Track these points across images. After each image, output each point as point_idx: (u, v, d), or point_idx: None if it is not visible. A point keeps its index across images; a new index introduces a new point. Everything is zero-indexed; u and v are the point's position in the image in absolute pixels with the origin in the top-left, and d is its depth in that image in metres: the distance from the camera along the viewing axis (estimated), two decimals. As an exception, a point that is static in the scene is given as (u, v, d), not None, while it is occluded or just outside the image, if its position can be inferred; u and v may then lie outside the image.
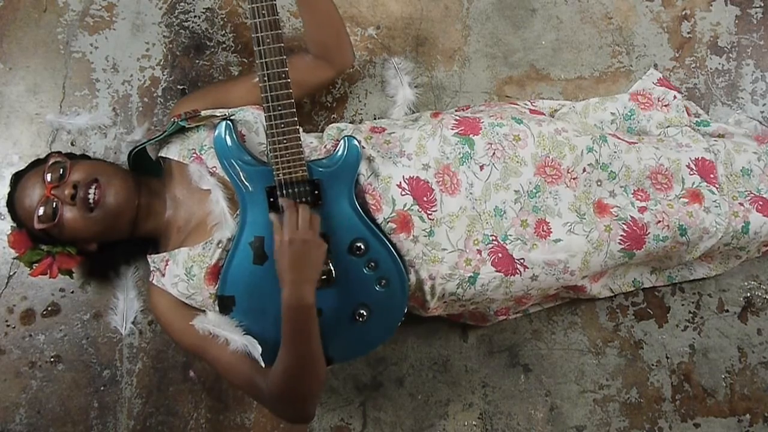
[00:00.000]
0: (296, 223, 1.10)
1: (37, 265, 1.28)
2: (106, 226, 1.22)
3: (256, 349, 1.17)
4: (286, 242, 1.09)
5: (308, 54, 1.35)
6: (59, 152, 1.31)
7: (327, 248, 1.16)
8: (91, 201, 1.20)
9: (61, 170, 1.22)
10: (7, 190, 1.28)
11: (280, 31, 1.10)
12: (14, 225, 1.28)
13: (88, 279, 1.51)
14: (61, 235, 1.23)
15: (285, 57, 1.12)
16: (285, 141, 1.13)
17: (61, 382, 1.50)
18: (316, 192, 1.17)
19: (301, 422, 1.43)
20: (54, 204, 1.20)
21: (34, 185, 1.22)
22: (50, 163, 1.24)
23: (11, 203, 1.26)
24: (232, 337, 1.18)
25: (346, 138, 1.21)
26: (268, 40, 1.10)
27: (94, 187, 1.20)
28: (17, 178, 1.27)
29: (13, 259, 1.27)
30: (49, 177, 1.21)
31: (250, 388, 1.20)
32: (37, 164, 1.29)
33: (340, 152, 1.20)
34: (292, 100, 1.13)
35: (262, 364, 1.17)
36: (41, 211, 1.19)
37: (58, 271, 1.29)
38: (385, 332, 1.27)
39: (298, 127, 1.14)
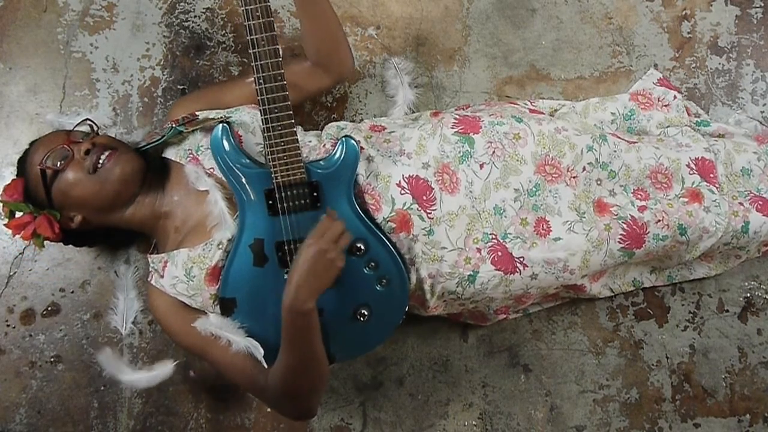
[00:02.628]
0: (323, 233, 1.09)
1: (16, 218, 1.26)
2: (99, 193, 1.22)
3: (259, 352, 1.17)
4: (305, 245, 1.09)
5: (306, 61, 1.35)
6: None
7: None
8: (99, 166, 1.21)
9: (88, 133, 1.26)
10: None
11: (274, 33, 1.09)
12: (15, 177, 1.28)
13: (95, 273, 1.52)
14: (53, 188, 1.22)
15: (280, 59, 1.11)
16: (282, 143, 1.13)
17: (61, 382, 1.50)
18: (315, 194, 1.17)
19: (304, 418, 1.43)
20: (66, 154, 1.21)
21: (58, 135, 1.26)
22: (80, 123, 1.28)
23: (24, 157, 1.27)
24: (234, 338, 1.18)
25: (344, 138, 1.20)
26: (263, 42, 1.09)
27: (107, 153, 1.21)
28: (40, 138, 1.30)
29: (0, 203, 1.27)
30: (75, 134, 1.25)
31: (252, 387, 1.20)
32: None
33: (338, 153, 1.19)
34: (288, 102, 1.12)
35: (265, 366, 1.17)
36: (52, 154, 1.21)
37: (32, 233, 1.26)
38: (386, 331, 1.27)
39: (295, 129, 1.14)
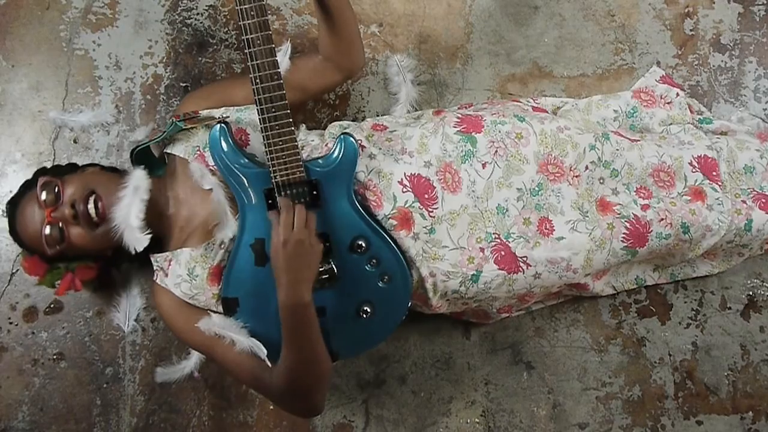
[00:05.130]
0: (291, 224, 1.10)
1: (59, 283, 1.30)
2: (114, 238, 1.21)
3: (262, 352, 1.17)
4: (281, 243, 1.09)
5: (318, 56, 1.34)
6: (44, 169, 1.31)
7: (327, 247, 1.17)
8: (93, 215, 1.19)
9: (55, 189, 1.20)
10: (7, 219, 1.27)
11: (270, 32, 1.08)
12: (24, 251, 1.29)
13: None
14: (74, 253, 1.24)
15: (276, 58, 1.09)
16: (281, 143, 1.12)
17: (63, 379, 1.51)
18: (315, 192, 1.17)
19: (311, 415, 1.43)
20: (59, 226, 1.19)
21: (33, 211, 1.21)
22: (40, 185, 1.21)
23: (14, 232, 1.26)
24: (237, 338, 1.18)
25: (342, 136, 1.19)
26: (258, 42, 1.08)
27: (92, 199, 1.20)
28: (13, 206, 1.26)
29: (37, 284, 1.32)
30: (44, 200, 1.20)
31: (257, 385, 1.20)
32: (28, 187, 1.27)
33: (336, 151, 1.18)
34: (286, 101, 1.11)
35: (269, 365, 1.17)
36: (47, 236, 1.19)
37: (81, 283, 1.32)
38: (389, 328, 1.27)
39: (293, 128, 1.13)
